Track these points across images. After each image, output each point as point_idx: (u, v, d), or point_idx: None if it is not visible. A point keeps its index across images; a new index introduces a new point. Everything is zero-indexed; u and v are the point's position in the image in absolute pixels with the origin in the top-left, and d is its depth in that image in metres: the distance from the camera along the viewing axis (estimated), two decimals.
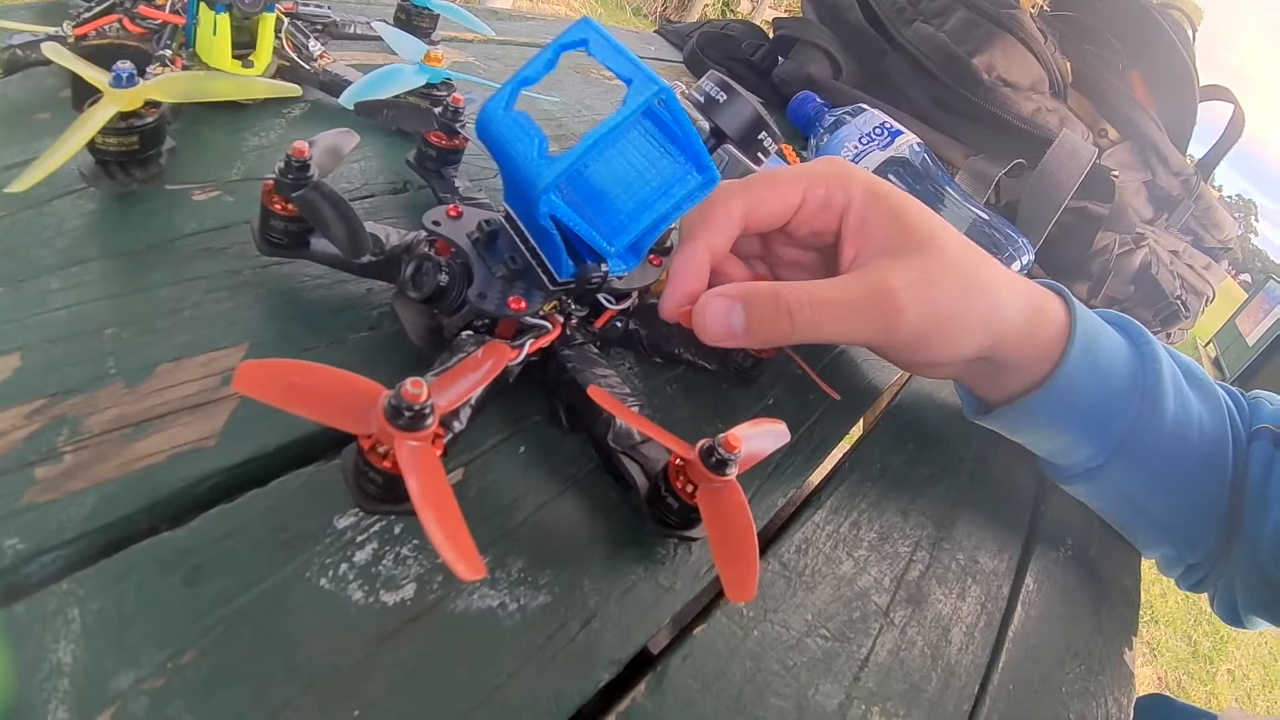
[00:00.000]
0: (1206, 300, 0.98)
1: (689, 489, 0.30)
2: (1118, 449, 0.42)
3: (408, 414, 0.23)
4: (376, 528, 0.27)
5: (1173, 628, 2.99)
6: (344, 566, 0.25)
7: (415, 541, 0.27)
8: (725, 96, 0.33)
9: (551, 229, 0.30)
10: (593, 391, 0.30)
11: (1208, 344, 5.78)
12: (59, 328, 0.28)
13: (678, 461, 0.30)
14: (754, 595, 0.28)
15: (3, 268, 0.30)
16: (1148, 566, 0.56)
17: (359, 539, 0.26)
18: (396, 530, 0.27)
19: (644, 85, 0.28)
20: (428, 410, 0.23)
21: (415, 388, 0.23)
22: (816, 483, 0.42)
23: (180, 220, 0.35)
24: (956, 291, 0.36)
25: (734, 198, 0.36)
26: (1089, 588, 0.51)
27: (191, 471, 0.26)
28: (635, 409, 0.33)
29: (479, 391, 0.28)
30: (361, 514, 0.27)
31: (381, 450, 0.24)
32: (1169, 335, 0.95)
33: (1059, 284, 0.43)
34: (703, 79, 0.34)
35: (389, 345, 0.33)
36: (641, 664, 0.28)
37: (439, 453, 0.24)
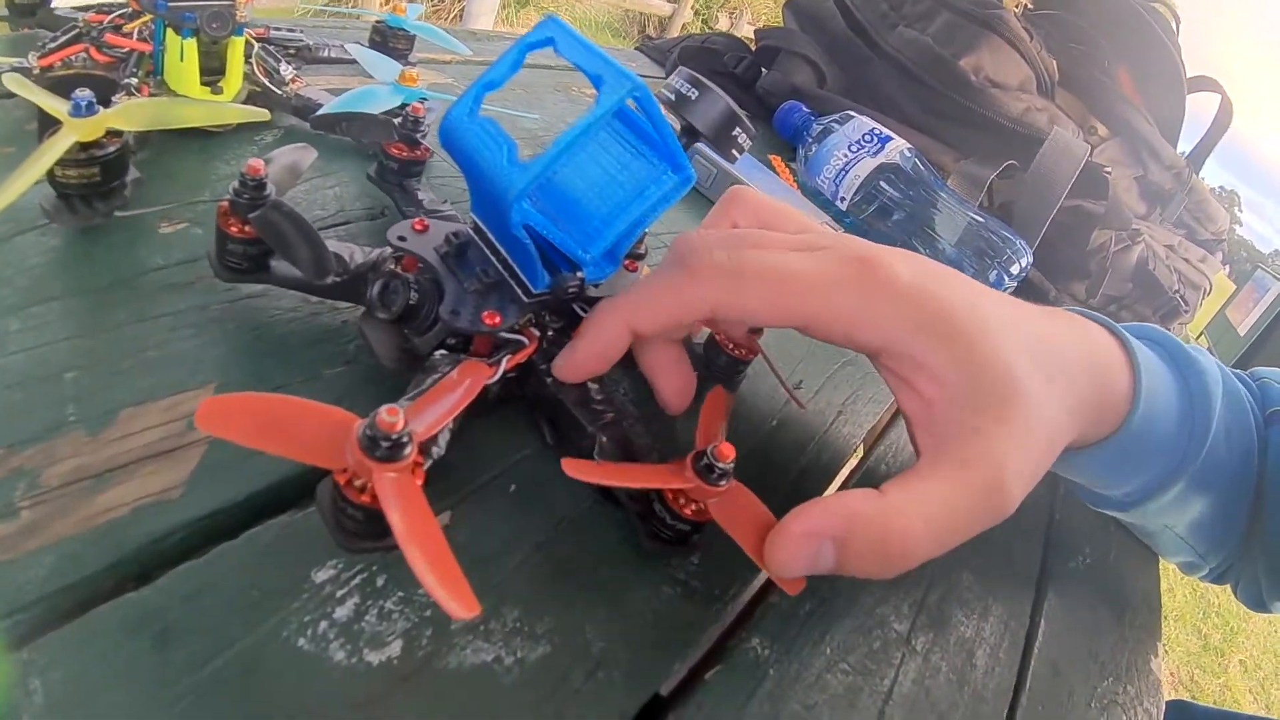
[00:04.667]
0: (1204, 293, 0.98)
1: (688, 505, 0.28)
2: (1157, 488, 0.40)
3: (385, 444, 0.21)
4: (358, 580, 0.25)
5: (1182, 623, 2.98)
6: (324, 624, 0.23)
7: (400, 594, 0.25)
8: (697, 93, 0.32)
9: (525, 239, 0.29)
10: (567, 465, 0.27)
11: (1199, 336, 5.78)
12: (17, 372, 0.26)
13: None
14: (804, 585, 0.28)
15: None
16: (1165, 567, 0.55)
17: (339, 593, 0.24)
18: (379, 582, 0.25)
19: (617, 82, 0.26)
20: (405, 439, 0.22)
21: (390, 415, 0.21)
22: None
23: (146, 254, 0.33)
24: (1055, 449, 0.32)
25: (705, 288, 0.30)
26: (1110, 596, 0.49)
27: (157, 525, 0.24)
28: (612, 416, 0.32)
29: (458, 415, 0.26)
30: (341, 566, 0.25)
31: (359, 484, 0.22)
32: (1169, 331, 0.94)
33: (1121, 331, 0.38)
34: (672, 76, 0.33)
35: (367, 379, 0.32)
36: (653, 712, 0.26)
37: (420, 482, 0.23)
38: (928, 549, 0.28)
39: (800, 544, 0.27)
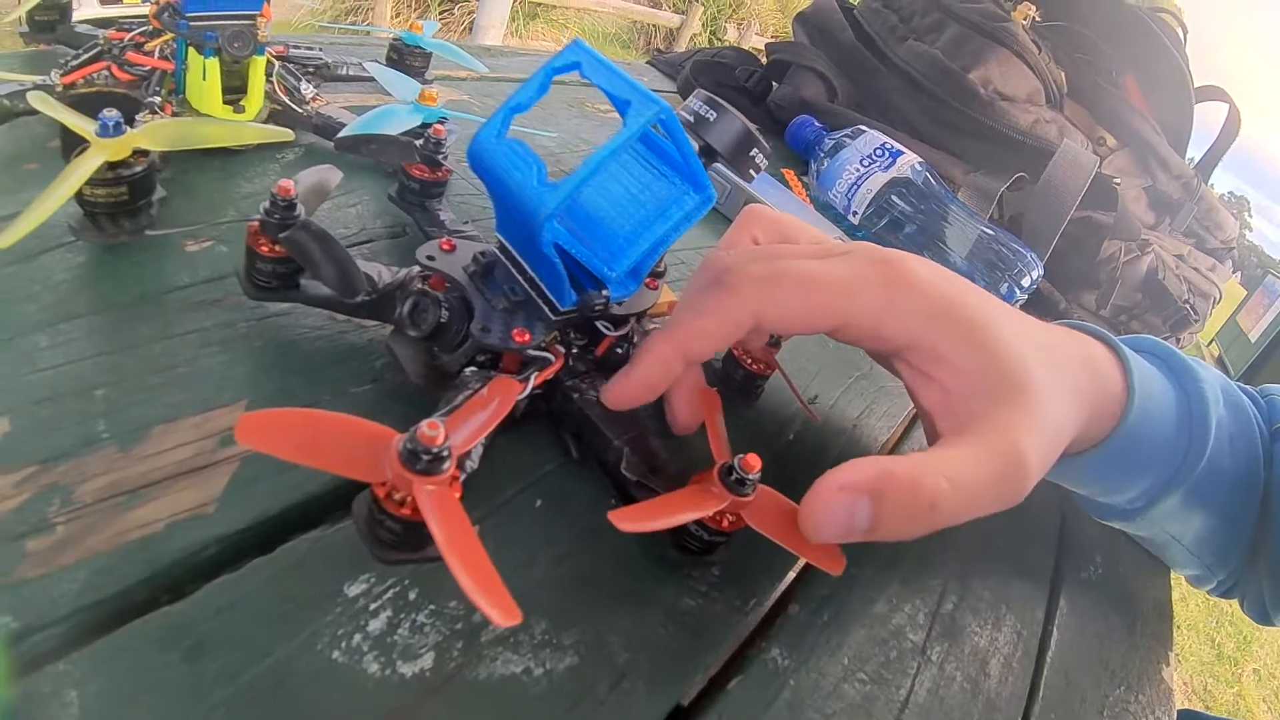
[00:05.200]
0: (1214, 302, 0.97)
1: (723, 519, 0.29)
2: (1159, 493, 0.41)
3: (425, 457, 0.22)
4: (390, 594, 0.25)
5: (1195, 632, 2.97)
6: (357, 637, 0.24)
7: (432, 607, 0.25)
8: (715, 114, 0.32)
9: (554, 257, 0.29)
10: (615, 518, 0.26)
11: (1210, 343, 5.77)
12: (47, 389, 0.27)
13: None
14: (844, 562, 0.30)
15: None
16: (1176, 577, 0.55)
17: (372, 607, 0.25)
18: (411, 596, 0.25)
19: (644, 106, 0.27)
20: (445, 452, 0.22)
21: (432, 429, 0.22)
22: None
23: (172, 272, 0.33)
24: (1061, 445, 0.34)
25: (747, 301, 0.31)
26: (1122, 605, 0.49)
27: (190, 540, 0.24)
28: (637, 430, 0.32)
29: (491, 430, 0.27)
30: (374, 580, 0.25)
31: (398, 497, 0.22)
32: (1179, 340, 0.94)
33: (1113, 339, 0.40)
34: (690, 98, 0.34)
35: (394, 397, 0.32)
36: None
37: (458, 495, 0.23)
38: (953, 505, 0.28)
39: (837, 499, 0.27)
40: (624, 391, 0.32)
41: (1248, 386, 0.48)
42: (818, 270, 0.32)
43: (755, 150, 0.33)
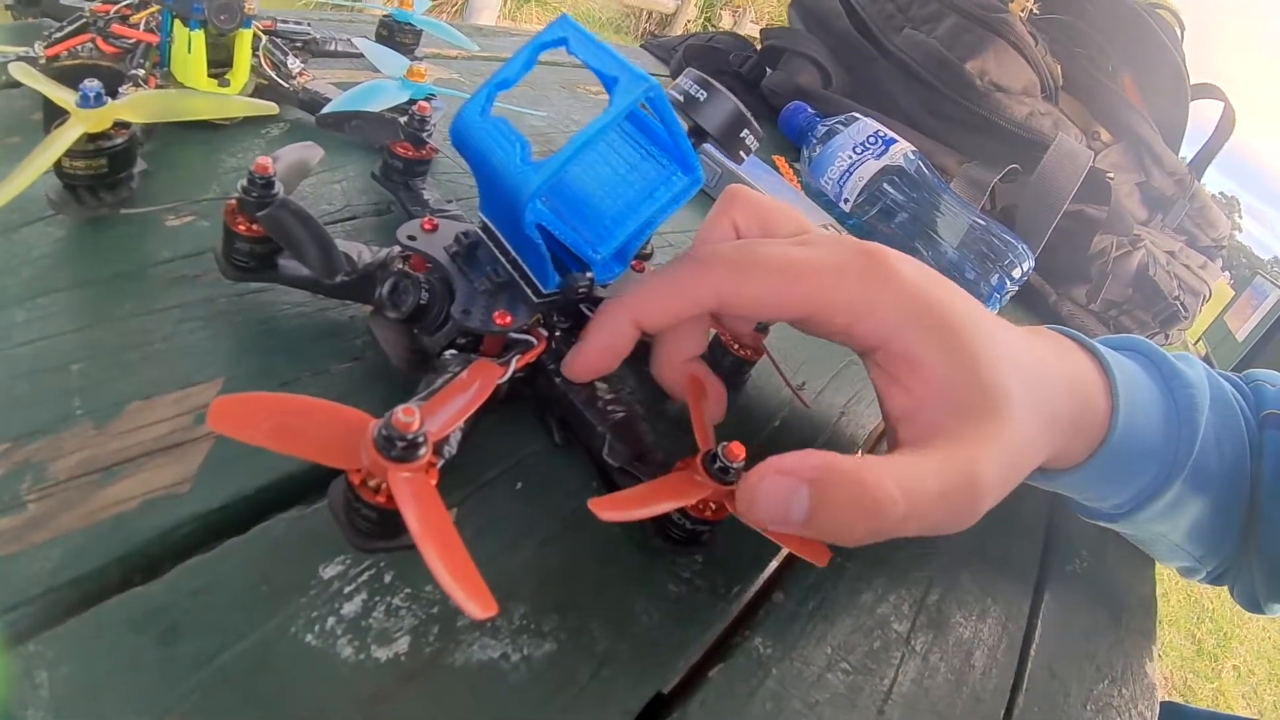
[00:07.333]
0: (1203, 299, 0.98)
1: (705, 508, 0.28)
2: (1145, 499, 0.40)
3: (400, 444, 0.21)
4: (365, 577, 0.25)
5: (1176, 627, 2.99)
6: (331, 620, 0.23)
7: (408, 590, 0.25)
8: (706, 94, 0.32)
9: (537, 239, 0.29)
10: (594, 506, 0.25)
11: (1197, 341, 5.80)
12: (23, 364, 0.26)
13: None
14: (830, 553, 0.28)
15: None
16: (1160, 571, 0.55)
17: (347, 589, 0.24)
18: (387, 579, 0.25)
19: (631, 83, 0.26)
20: (421, 439, 0.22)
21: (407, 416, 0.21)
22: None
23: (153, 247, 0.33)
24: (1025, 471, 0.32)
25: (714, 277, 0.30)
26: (1107, 599, 0.49)
27: (165, 519, 0.24)
28: (622, 415, 0.32)
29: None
30: (349, 562, 0.25)
31: (373, 484, 0.22)
32: (1167, 337, 0.94)
33: (1099, 349, 0.39)
34: (680, 77, 0.33)
35: (375, 376, 0.32)
36: (656, 710, 0.26)
37: (434, 481, 0.23)
38: (900, 511, 0.26)
39: (774, 482, 0.26)
40: (580, 363, 0.31)
41: (1232, 374, 0.48)
42: (794, 256, 0.31)
43: (746, 131, 0.32)
